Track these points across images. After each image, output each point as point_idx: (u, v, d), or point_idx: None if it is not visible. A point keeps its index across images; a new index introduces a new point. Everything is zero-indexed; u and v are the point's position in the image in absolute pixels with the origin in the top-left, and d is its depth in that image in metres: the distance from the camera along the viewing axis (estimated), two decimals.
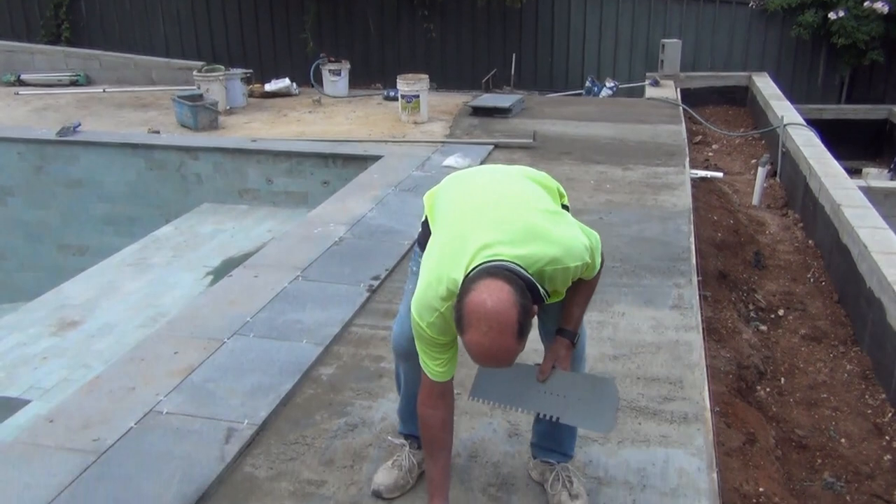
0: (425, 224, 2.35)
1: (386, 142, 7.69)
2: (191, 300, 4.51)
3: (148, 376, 3.32)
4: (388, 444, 2.81)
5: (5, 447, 2.89)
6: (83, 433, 2.91)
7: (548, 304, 2.17)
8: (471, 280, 1.92)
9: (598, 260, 2.24)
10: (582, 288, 2.30)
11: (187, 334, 3.70)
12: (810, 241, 6.66)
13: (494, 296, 1.85)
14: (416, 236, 2.49)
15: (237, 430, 2.93)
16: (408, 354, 2.43)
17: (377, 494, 2.58)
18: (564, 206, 2.37)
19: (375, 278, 4.29)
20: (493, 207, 2.13)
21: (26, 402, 4.24)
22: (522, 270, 1.96)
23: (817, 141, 8.00)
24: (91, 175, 7.86)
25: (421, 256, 2.25)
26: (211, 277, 5.75)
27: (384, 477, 2.61)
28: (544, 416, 2.33)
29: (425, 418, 2.28)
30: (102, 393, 3.21)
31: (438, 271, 2.06)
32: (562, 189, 2.41)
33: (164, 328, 3.85)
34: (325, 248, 4.78)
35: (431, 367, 2.19)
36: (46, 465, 2.71)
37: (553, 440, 2.59)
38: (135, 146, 7.72)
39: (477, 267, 1.95)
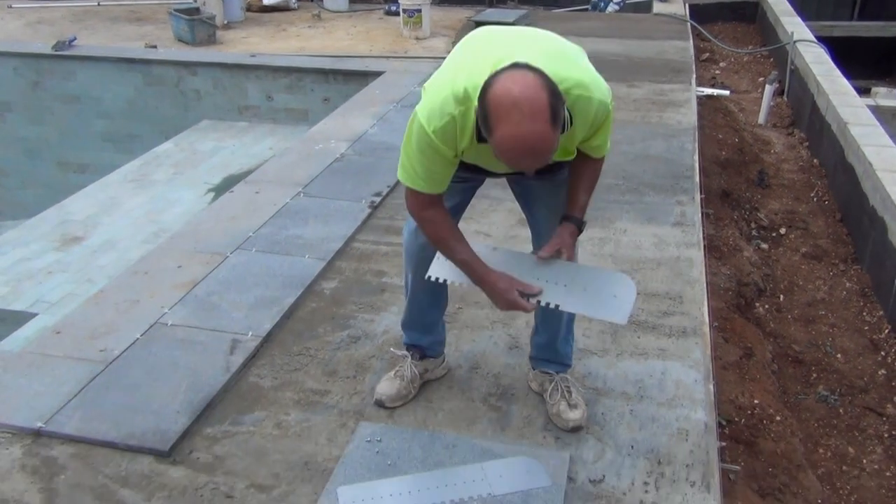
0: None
1: (387, 57, 7.55)
2: (193, 216, 4.51)
3: (152, 289, 3.35)
4: (390, 356, 2.86)
5: (14, 357, 2.94)
6: (90, 344, 2.96)
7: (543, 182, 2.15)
8: (493, 77, 1.77)
9: (609, 130, 2.13)
10: (588, 170, 2.23)
11: (190, 249, 3.72)
12: (815, 160, 6.62)
13: (520, 82, 1.72)
14: None
15: (241, 342, 2.97)
16: (418, 257, 2.44)
17: (379, 404, 2.64)
18: None
19: (377, 194, 4.28)
20: (519, 36, 2.02)
21: (33, 316, 4.30)
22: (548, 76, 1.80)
23: (827, 58, 7.85)
24: (88, 91, 7.76)
25: None
26: (212, 194, 5.74)
27: (386, 387, 2.66)
28: (546, 304, 2.20)
29: (427, 218, 2.16)
30: (108, 305, 3.24)
31: (455, 77, 1.93)
32: None
33: (166, 243, 3.86)
34: (327, 165, 4.75)
35: (423, 175, 2.06)
36: (55, 374, 2.76)
37: (552, 351, 2.62)
38: (132, 61, 7.58)
39: (499, 69, 1.80)
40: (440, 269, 2.33)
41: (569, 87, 1.89)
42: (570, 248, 2.25)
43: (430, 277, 2.34)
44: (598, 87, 2.00)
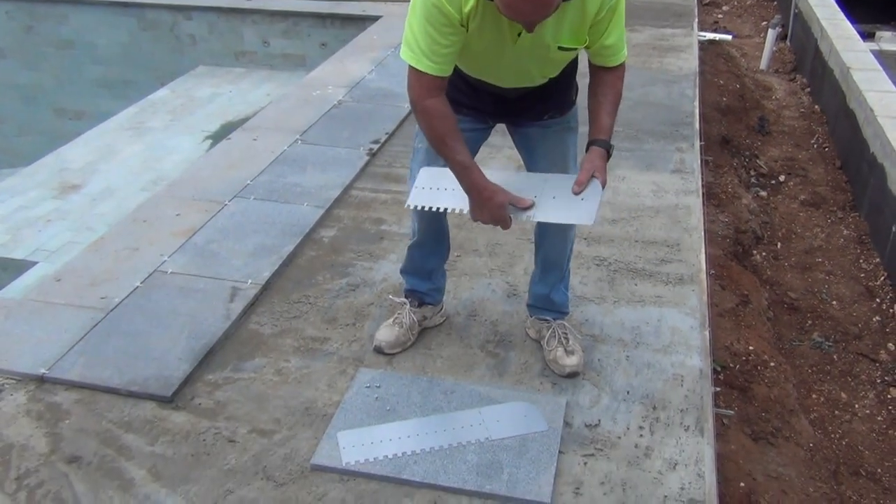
0: None
1: (385, 1, 7.42)
2: (191, 163, 4.49)
3: (151, 237, 3.36)
4: (389, 303, 2.88)
5: (16, 305, 2.96)
6: (91, 291, 2.98)
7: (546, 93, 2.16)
8: None
9: (622, 30, 2.09)
10: (608, 89, 2.19)
11: (188, 197, 3.71)
12: (816, 107, 6.56)
13: None
14: None
15: (241, 290, 2.99)
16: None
17: (379, 350, 2.67)
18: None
19: (375, 142, 4.26)
20: None
21: (33, 264, 4.32)
22: None
23: (831, 1, 7.72)
24: (82, 35, 7.65)
25: None
26: (210, 141, 5.71)
27: (386, 334, 2.68)
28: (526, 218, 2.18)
29: (429, 108, 2.10)
30: (107, 253, 3.25)
31: None
32: None
33: (164, 191, 3.85)
34: (324, 112, 4.72)
35: (427, 52, 2.02)
36: (57, 321, 2.79)
37: (549, 300, 2.64)
38: (125, 5, 7.47)
39: None
40: (419, 197, 2.31)
41: None
42: (602, 170, 2.19)
43: (409, 206, 2.32)
44: None
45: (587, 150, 2.22)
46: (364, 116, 4.63)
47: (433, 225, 2.56)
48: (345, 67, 5.53)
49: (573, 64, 2.29)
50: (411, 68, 2.07)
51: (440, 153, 2.18)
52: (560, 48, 2.09)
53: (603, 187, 2.18)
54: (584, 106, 2.32)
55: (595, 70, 2.22)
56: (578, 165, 2.27)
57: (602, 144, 2.20)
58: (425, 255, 2.66)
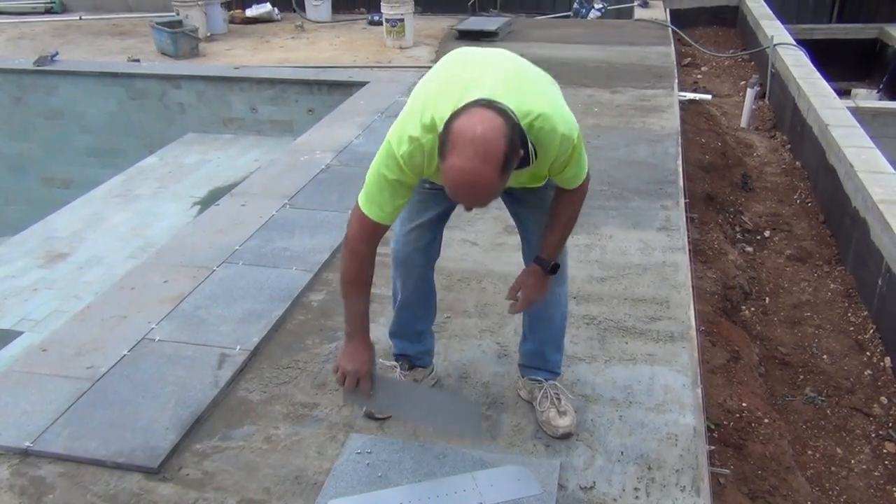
0: None
1: (371, 67, 7.57)
2: (178, 230, 4.49)
3: (139, 305, 3.34)
4: (379, 367, 2.85)
5: (0, 376, 2.92)
6: (77, 360, 2.94)
7: (527, 194, 2.19)
8: (461, 109, 1.83)
9: (584, 164, 2.15)
10: (562, 208, 2.25)
11: (176, 263, 3.71)
12: (797, 163, 6.67)
13: (486, 123, 1.77)
14: None
15: (230, 356, 2.96)
16: (406, 264, 2.46)
17: (369, 415, 2.63)
18: None
19: None
20: (487, 64, 2.06)
21: (19, 334, 4.26)
22: (514, 116, 1.86)
23: (806, 60, 7.93)
24: (71, 106, 7.73)
25: None
26: (198, 207, 5.73)
27: None
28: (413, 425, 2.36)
29: (357, 253, 2.19)
30: (94, 322, 3.22)
31: (424, 105, 1.98)
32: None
33: (152, 257, 3.84)
34: (312, 176, 4.75)
35: (378, 202, 2.09)
36: (42, 392, 2.74)
37: (540, 359, 2.63)
38: (115, 75, 7.57)
39: (469, 102, 1.85)
40: (353, 397, 2.35)
41: (532, 120, 1.94)
42: (534, 288, 2.28)
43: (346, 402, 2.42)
44: (564, 120, 2.01)
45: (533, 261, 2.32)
46: (351, 180, 4.66)
47: (420, 284, 2.56)
48: (332, 132, 5.59)
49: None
50: (358, 207, 2.15)
51: (343, 291, 2.26)
52: (521, 186, 2.22)
53: (536, 301, 2.31)
54: None
55: (557, 188, 2.27)
56: None
57: (540, 263, 2.28)
58: (413, 317, 2.66)
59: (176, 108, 7.56)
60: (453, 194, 1.86)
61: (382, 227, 2.15)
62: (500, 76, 1.99)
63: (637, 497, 2.30)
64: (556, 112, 2.00)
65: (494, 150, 1.76)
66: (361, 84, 6.91)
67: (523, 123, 1.90)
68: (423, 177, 2.07)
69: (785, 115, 7.55)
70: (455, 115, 1.82)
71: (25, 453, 2.48)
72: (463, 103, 1.85)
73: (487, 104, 1.83)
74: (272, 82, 7.25)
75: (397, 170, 2.03)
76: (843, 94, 8.69)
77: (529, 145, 1.93)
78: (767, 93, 8.50)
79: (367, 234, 2.16)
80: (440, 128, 1.87)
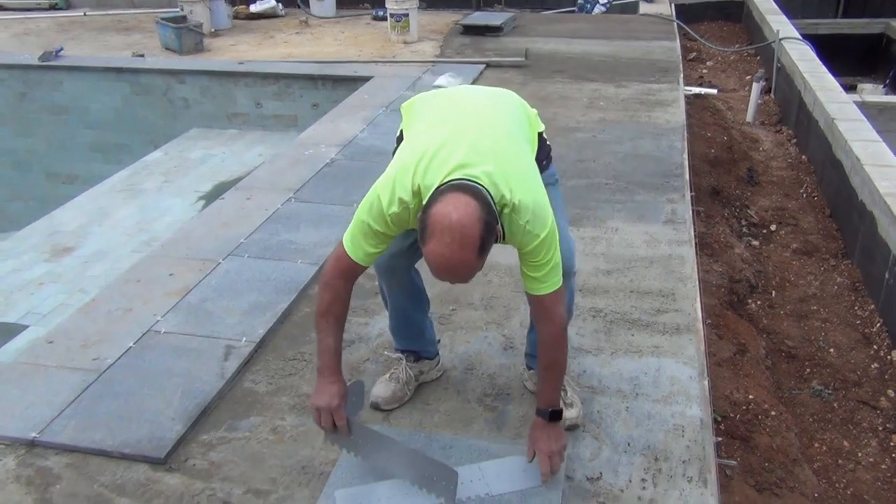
0: (401, 137, 2.31)
1: (376, 62, 7.55)
2: (184, 224, 4.49)
3: (144, 297, 3.34)
4: (384, 359, 2.85)
5: (6, 368, 2.92)
6: (83, 353, 2.94)
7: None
8: (440, 192, 1.89)
9: (553, 270, 2.10)
10: (543, 353, 2.24)
11: (182, 256, 3.71)
12: (803, 157, 6.65)
13: (461, 209, 1.83)
14: None
15: (236, 348, 2.96)
16: (389, 270, 2.46)
17: (375, 406, 2.63)
18: (540, 134, 2.36)
19: None
20: (475, 130, 2.08)
21: (25, 327, 4.27)
22: (490, 197, 1.93)
23: (813, 55, 7.90)
24: (76, 101, 7.73)
25: None
26: (202, 202, 5.73)
27: (382, 389, 2.65)
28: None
29: (332, 288, 2.20)
30: (100, 314, 3.23)
31: (416, 167, 2.00)
32: (539, 118, 2.40)
33: (158, 251, 3.85)
34: (317, 170, 4.75)
35: (360, 245, 2.11)
36: (48, 384, 2.75)
37: None
38: (119, 70, 7.57)
39: (450, 182, 1.92)
40: (336, 439, 2.30)
41: (503, 206, 1.99)
42: (545, 441, 2.23)
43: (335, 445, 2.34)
44: (535, 215, 2.02)
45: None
46: (357, 174, 4.66)
47: (406, 286, 2.54)
48: (337, 127, 5.59)
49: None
50: (340, 244, 2.17)
51: (316, 326, 2.27)
52: None
53: (557, 451, 2.23)
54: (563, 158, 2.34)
55: (529, 303, 2.24)
56: (566, 217, 2.39)
57: (541, 415, 2.27)
58: (407, 316, 2.65)
59: (180, 104, 7.55)
60: (436, 275, 1.93)
61: (359, 267, 2.17)
62: (488, 147, 2.02)
63: (644, 488, 2.30)
64: (529, 205, 2.01)
65: (471, 235, 1.83)
66: (366, 79, 6.90)
67: (497, 206, 1.95)
68: (407, 228, 2.12)
69: (791, 109, 7.52)
70: (433, 200, 1.88)
71: (32, 444, 2.48)
72: (446, 180, 1.92)
73: (463, 187, 1.89)
74: (276, 77, 7.24)
75: (383, 225, 2.07)
76: (849, 89, 8.63)
77: (500, 224, 1.98)
78: (773, 87, 8.47)
79: (343, 271, 2.19)
80: (424, 198, 1.95)
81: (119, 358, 2.90)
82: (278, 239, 3.85)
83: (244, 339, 3.02)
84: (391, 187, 2.03)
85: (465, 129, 2.09)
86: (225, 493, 2.29)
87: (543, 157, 2.34)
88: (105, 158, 7.77)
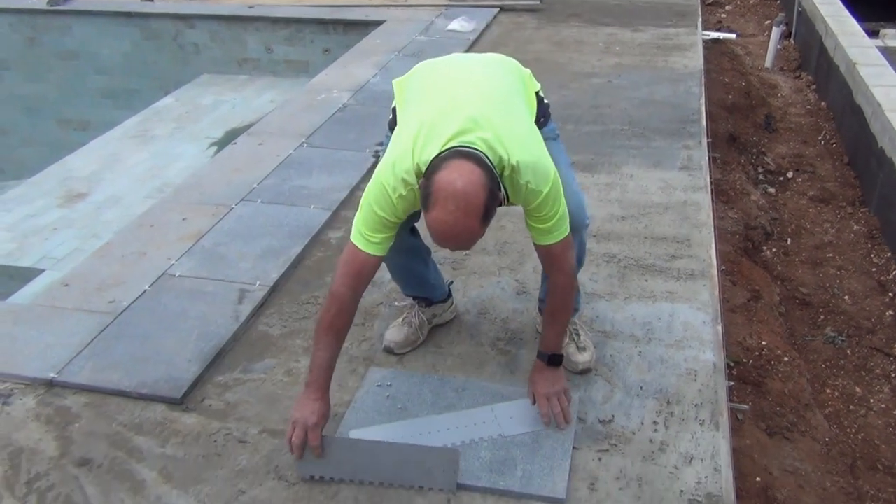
0: (395, 111, 2.29)
1: (388, 6, 7.42)
2: (196, 169, 4.48)
3: (158, 242, 3.35)
4: (396, 307, 2.85)
5: (24, 310, 2.95)
6: (99, 295, 2.96)
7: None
8: (441, 159, 1.87)
9: (560, 220, 2.08)
10: (553, 300, 2.24)
11: (195, 201, 3.70)
12: (823, 103, 6.54)
13: (465, 177, 1.81)
14: None
15: (249, 292, 2.98)
16: None
17: (388, 350, 2.65)
18: (536, 94, 2.32)
19: (381, 144, 4.22)
20: (468, 100, 2.05)
21: (40, 272, 4.31)
22: (490, 163, 1.91)
23: None
24: (86, 46, 7.66)
25: None
26: (214, 148, 5.71)
27: (395, 333, 2.66)
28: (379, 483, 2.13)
29: (338, 297, 2.12)
30: (115, 258, 3.24)
31: (414, 144, 1.98)
32: (533, 78, 2.35)
33: (171, 196, 3.84)
34: (330, 115, 4.71)
35: (373, 238, 2.08)
36: (65, 326, 2.77)
37: None
38: (129, 15, 7.47)
39: (449, 149, 1.90)
40: (305, 466, 2.15)
41: (503, 167, 1.97)
42: (543, 384, 2.27)
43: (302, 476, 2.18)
44: (534, 171, 1.99)
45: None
46: (369, 119, 4.62)
47: (401, 249, 2.40)
48: (349, 72, 5.52)
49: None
50: (349, 242, 2.13)
51: (315, 336, 2.18)
52: None
53: (556, 394, 2.28)
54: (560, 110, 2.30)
55: (538, 254, 2.23)
56: (572, 171, 2.40)
57: (541, 357, 2.31)
58: (408, 269, 2.62)
59: (191, 49, 7.48)
60: (437, 242, 1.92)
61: (373, 260, 2.11)
62: (483, 114, 1.98)
63: (655, 430, 2.31)
64: (529, 163, 1.99)
65: (475, 201, 1.82)
66: (378, 23, 6.79)
67: (496, 170, 1.93)
68: (413, 211, 2.09)
69: (811, 54, 7.37)
70: (435, 167, 1.86)
71: (51, 384, 2.52)
72: (445, 148, 1.90)
73: (466, 154, 1.87)
74: (287, 22, 7.14)
75: (391, 211, 2.04)
76: (872, 34, 8.43)
77: (502, 188, 1.96)
78: (793, 32, 8.29)
79: (356, 272, 2.12)
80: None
81: (134, 301, 2.92)
82: (291, 184, 3.84)
83: (258, 283, 3.03)
84: (392, 171, 2.00)
85: (459, 99, 2.06)
86: (241, 432, 2.32)
87: (541, 114, 2.32)
88: (115, 104, 7.73)
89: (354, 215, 2.13)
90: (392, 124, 2.30)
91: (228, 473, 2.18)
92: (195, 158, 5.57)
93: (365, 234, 2.09)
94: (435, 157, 1.90)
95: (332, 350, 2.16)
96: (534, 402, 2.30)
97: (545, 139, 2.16)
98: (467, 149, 1.90)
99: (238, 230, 3.42)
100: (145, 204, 4.67)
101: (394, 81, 2.33)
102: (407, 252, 2.54)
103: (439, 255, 2.89)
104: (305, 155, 4.17)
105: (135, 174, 5.46)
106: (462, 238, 1.88)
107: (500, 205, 1.94)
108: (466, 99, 2.06)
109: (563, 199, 2.08)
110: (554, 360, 2.30)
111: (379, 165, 2.08)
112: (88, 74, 7.78)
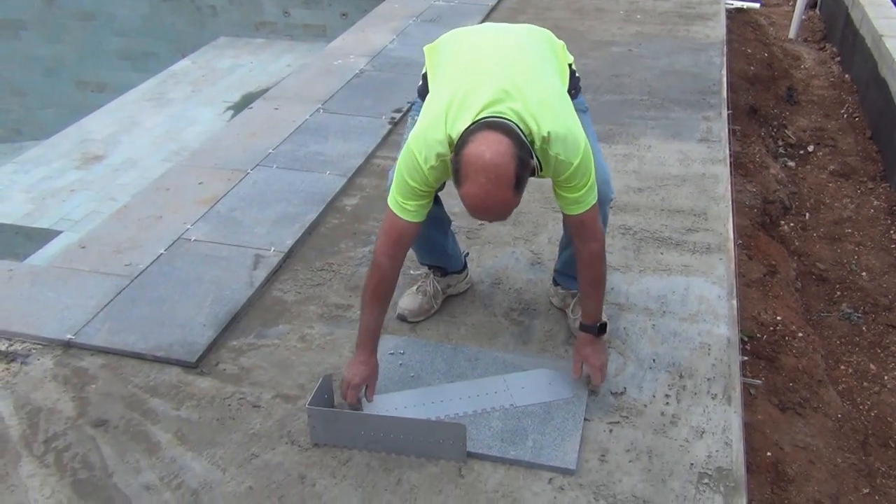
0: (425, 77, 2.26)
1: None
2: (213, 133, 4.48)
3: (175, 205, 3.36)
4: (411, 276, 2.85)
5: (41, 271, 2.98)
6: (115, 258, 2.98)
7: None
8: (470, 132, 1.86)
9: (588, 190, 2.07)
10: (585, 270, 2.22)
11: (211, 165, 3.71)
12: (846, 76, 6.42)
13: (493, 147, 1.80)
14: None
15: (264, 257, 2.99)
16: None
17: (402, 318, 2.65)
18: (569, 66, 2.29)
19: (397, 111, 4.22)
20: (500, 70, 2.03)
21: (57, 233, 4.34)
22: (521, 132, 1.90)
23: None
24: (103, 7, 7.64)
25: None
26: (231, 112, 5.70)
27: (409, 302, 2.67)
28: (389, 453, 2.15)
29: (380, 266, 2.15)
30: (131, 221, 3.26)
31: (446, 115, 1.97)
32: (566, 50, 2.32)
33: (187, 160, 3.85)
34: (346, 81, 4.68)
35: (409, 206, 2.08)
36: (82, 288, 2.80)
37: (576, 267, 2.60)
38: None
39: (479, 121, 1.89)
40: (325, 436, 2.19)
41: (534, 139, 1.95)
42: (593, 356, 2.28)
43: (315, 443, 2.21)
44: (565, 144, 1.97)
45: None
46: (386, 85, 4.59)
47: (423, 223, 2.31)
48: (366, 37, 5.47)
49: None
50: (390, 211, 2.13)
51: (361, 301, 2.23)
52: None
53: (601, 375, 2.28)
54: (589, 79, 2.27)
55: (565, 224, 2.24)
56: (598, 145, 2.35)
57: (588, 330, 2.29)
58: (430, 238, 2.59)
59: (208, 11, 7.44)
60: (473, 215, 1.92)
61: (412, 226, 2.12)
62: (514, 85, 1.96)
63: (668, 403, 2.31)
64: (560, 135, 1.97)
65: (505, 172, 1.81)
66: None
67: (528, 140, 1.91)
68: (446, 179, 2.09)
69: (836, 25, 7.23)
70: (464, 141, 1.85)
71: (68, 345, 2.55)
72: (475, 120, 1.89)
73: (492, 125, 1.86)
74: None
75: (423, 182, 2.04)
76: None
77: (535, 157, 1.94)
78: (819, 2, 8.13)
79: (396, 239, 2.14)
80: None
81: (151, 264, 2.94)
82: (307, 150, 3.83)
83: (273, 248, 3.03)
84: (424, 142, 2.00)
85: (491, 70, 2.04)
86: (255, 396, 2.34)
87: (572, 87, 2.29)
88: (133, 66, 7.73)
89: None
90: (422, 90, 2.28)
91: (242, 437, 2.20)
92: (211, 122, 5.57)
93: (400, 201, 2.10)
94: (465, 130, 1.89)
95: (376, 315, 2.21)
96: (580, 376, 2.31)
97: (578, 111, 2.14)
98: (497, 119, 1.89)
99: (253, 195, 3.43)
100: (162, 167, 4.69)
101: (424, 48, 2.31)
102: (428, 221, 2.53)
103: (453, 223, 2.88)
104: (321, 121, 4.15)
105: (151, 137, 5.47)
106: (496, 210, 1.88)
107: (534, 173, 1.93)
108: (499, 69, 2.04)
109: (592, 170, 2.07)
110: (602, 329, 2.30)
111: (410, 135, 2.07)
112: (106, 36, 7.76)
